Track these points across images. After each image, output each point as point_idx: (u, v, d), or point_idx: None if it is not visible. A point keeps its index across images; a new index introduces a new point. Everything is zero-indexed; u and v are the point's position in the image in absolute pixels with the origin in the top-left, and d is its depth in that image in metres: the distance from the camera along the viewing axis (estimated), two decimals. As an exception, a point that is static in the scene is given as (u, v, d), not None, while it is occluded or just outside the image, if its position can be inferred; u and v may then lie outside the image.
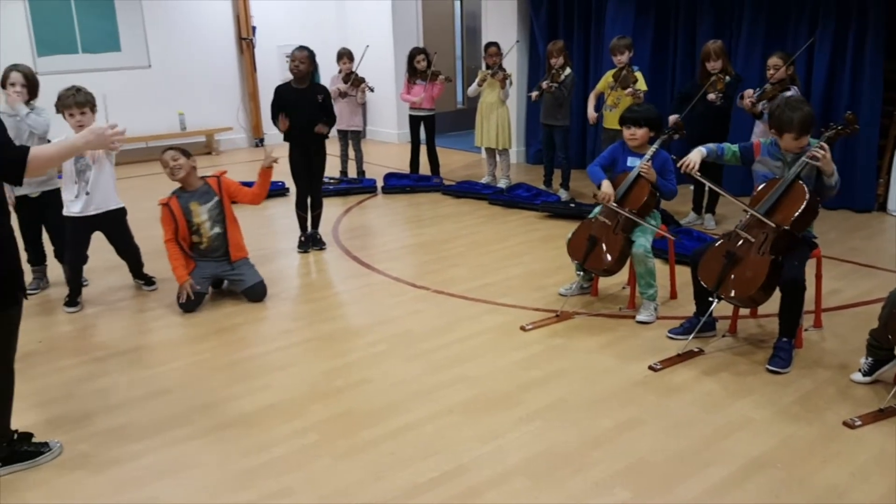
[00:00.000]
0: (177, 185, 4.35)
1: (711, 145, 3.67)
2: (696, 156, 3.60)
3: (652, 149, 4.02)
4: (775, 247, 3.35)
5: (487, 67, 6.82)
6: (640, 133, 4.05)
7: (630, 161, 4.11)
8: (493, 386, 3.32)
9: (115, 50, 8.65)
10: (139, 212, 6.51)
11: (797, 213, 3.32)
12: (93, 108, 4.19)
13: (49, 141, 4.28)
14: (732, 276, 3.41)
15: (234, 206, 4.47)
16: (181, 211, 4.26)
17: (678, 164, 3.63)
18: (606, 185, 4.02)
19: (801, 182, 3.38)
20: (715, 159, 3.69)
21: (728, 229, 3.71)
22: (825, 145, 3.32)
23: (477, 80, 6.93)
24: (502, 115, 6.90)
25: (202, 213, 4.30)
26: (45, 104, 4.37)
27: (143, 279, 4.60)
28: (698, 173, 3.59)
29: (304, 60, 5.00)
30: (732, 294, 3.42)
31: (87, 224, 4.25)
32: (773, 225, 3.35)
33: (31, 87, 4.29)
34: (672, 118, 5.27)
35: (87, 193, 4.18)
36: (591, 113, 6.14)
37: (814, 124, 3.40)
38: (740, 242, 3.46)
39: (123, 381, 3.44)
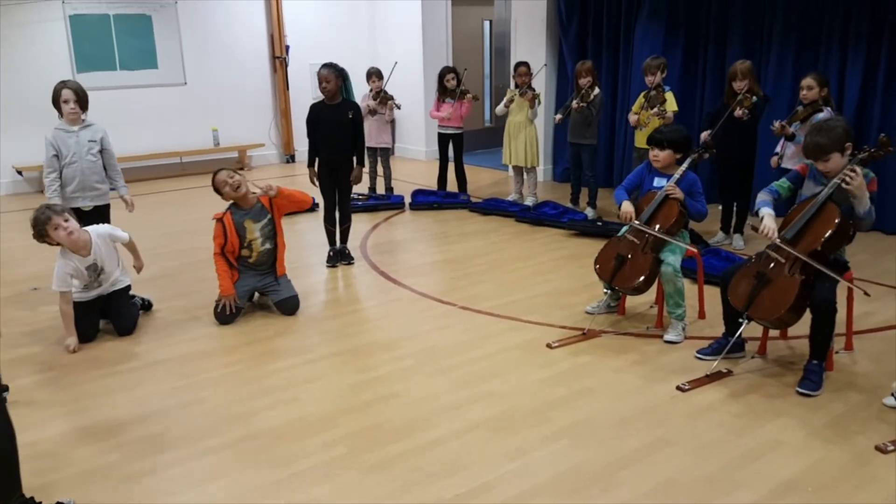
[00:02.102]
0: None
1: (767, 198, 3.58)
2: (770, 222, 3.47)
3: (680, 169, 4.02)
4: (806, 268, 3.33)
5: (517, 87, 6.88)
6: (663, 155, 4.06)
7: (657, 181, 4.11)
8: (520, 403, 3.32)
9: (153, 67, 8.86)
10: (172, 226, 6.66)
11: (827, 235, 3.30)
12: (71, 214, 3.99)
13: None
14: (762, 297, 3.39)
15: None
16: (234, 227, 4.34)
17: (761, 232, 3.49)
18: (626, 205, 4.04)
19: (833, 203, 3.35)
20: (776, 204, 3.62)
21: (756, 249, 3.68)
22: (857, 169, 3.28)
23: (504, 101, 6.99)
24: (530, 133, 6.94)
25: (256, 231, 4.38)
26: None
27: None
28: (778, 239, 3.43)
29: (329, 79, 5.09)
30: (762, 315, 3.40)
31: (94, 303, 4.14)
32: (796, 253, 3.31)
33: (83, 102, 4.44)
34: (704, 135, 5.30)
35: (99, 285, 4.13)
36: (632, 116, 6.09)
37: (831, 148, 3.33)
38: (771, 264, 3.44)
39: (157, 391, 3.50)
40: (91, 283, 4.10)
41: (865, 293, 3.35)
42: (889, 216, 5.88)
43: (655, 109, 5.73)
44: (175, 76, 9.03)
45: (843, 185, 3.27)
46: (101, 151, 4.52)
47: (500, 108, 7.09)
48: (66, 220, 3.89)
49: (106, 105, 8.19)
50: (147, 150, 8.87)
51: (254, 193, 4.43)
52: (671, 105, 5.81)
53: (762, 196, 3.62)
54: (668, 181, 4.03)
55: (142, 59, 8.78)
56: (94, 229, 4.12)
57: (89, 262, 4.03)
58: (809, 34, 6.18)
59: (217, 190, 4.37)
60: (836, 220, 3.30)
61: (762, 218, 3.51)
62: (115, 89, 8.57)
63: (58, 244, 3.94)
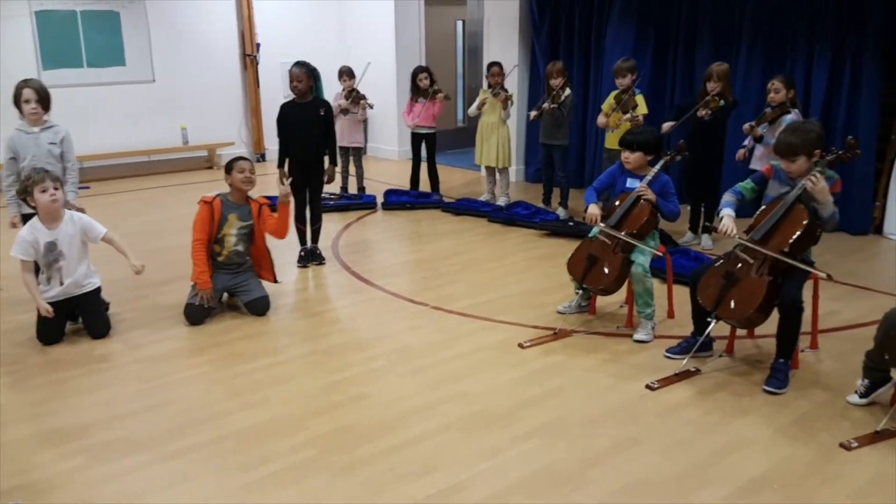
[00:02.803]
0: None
1: (731, 199, 3.65)
2: (728, 222, 3.55)
3: (653, 171, 4.05)
4: (774, 268, 3.37)
5: (490, 87, 6.89)
6: (634, 157, 4.09)
7: (629, 182, 4.15)
8: (492, 403, 3.32)
9: (120, 64, 8.72)
10: (139, 225, 6.56)
11: (796, 236, 3.34)
12: (62, 184, 4.03)
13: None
14: (730, 297, 3.43)
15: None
16: (219, 215, 4.30)
17: (721, 231, 3.56)
18: (593, 208, 4.09)
19: (801, 205, 3.39)
20: (739, 205, 3.69)
21: (725, 249, 3.73)
22: (818, 175, 3.31)
23: (477, 102, 7.01)
24: (503, 134, 6.96)
25: (234, 228, 4.34)
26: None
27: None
28: (744, 237, 3.51)
29: (301, 78, 5.06)
30: (730, 314, 3.44)
31: (62, 306, 4.01)
32: (766, 253, 3.36)
33: (45, 102, 4.29)
34: (666, 126, 5.38)
35: (62, 284, 4.01)
36: (601, 118, 6.14)
37: (800, 149, 3.38)
38: (739, 264, 3.48)
39: (122, 394, 3.44)
40: (47, 269, 3.96)
41: (829, 276, 3.40)
42: (853, 217, 5.99)
43: (628, 115, 5.78)
44: (143, 73, 8.89)
45: (808, 188, 3.32)
46: (61, 154, 4.38)
47: (472, 110, 7.10)
48: (56, 189, 3.89)
49: (73, 103, 8.06)
50: (114, 149, 8.73)
51: (249, 197, 4.43)
52: (642, 108, 5.87)
53: (726, 197, 3.69)
54: (640, 182, 4.06)
55: (109, 56, 8.64)
56: (73, 213, 4.08)
57: (50, 238, 3.93)
58: (777, 37, 6.28)
59: (229, 169, 4.34)
60: (805, 222, 3.34)
61: (722, 218, 3.59)
62: (82, 87, 8.42)
63: (33, 211, 3.95)
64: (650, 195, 3.98)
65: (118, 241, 4.16)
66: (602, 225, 4.03)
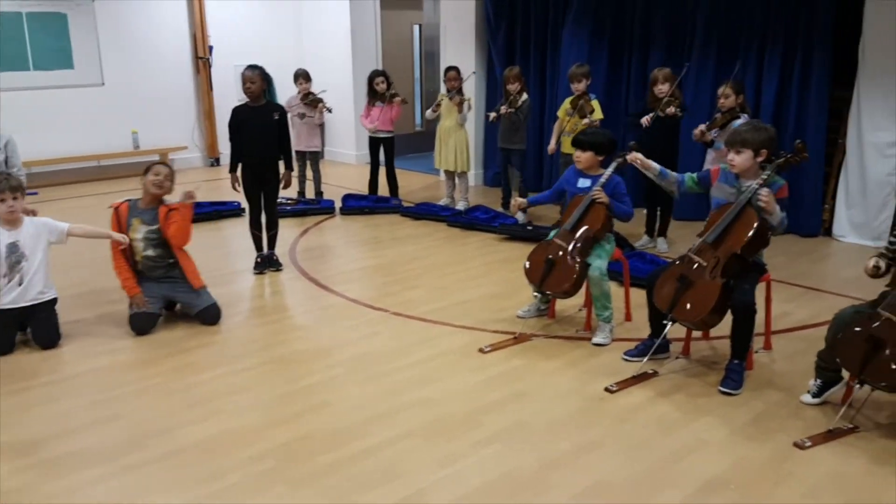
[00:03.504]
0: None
1: (669, 171, 3.81)
2: (647, 162, 3.84)
3: (606, 173, 4.09)
4: (726, 271, 3.44)
5: (447, 91, 6.90)
6: (585, 157, 4.14)
7: (581, 182, 4.19)
8: (453, 409, 3.31)
9: (68, 67, 8.49)
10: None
11: (747, 239, 3.41)
12: (24, 192, 3.96)
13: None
14: (685, 300, 3.48)
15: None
16: (125, 221, 4.22)
17: (628, 157, 3.88)
18: (513, 204, 4.51)
19: (752, 208, 3.46)
20: (668, 184, 3.80)
21: (680, 252, 3.79)
22: (767, 191, 3.38)
23: (433, 105, 7.02)
24: (461, 138, 6.97)
25: (139, 232, 4.22)
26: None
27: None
28: (638, 160, 3.84)
29: (254, 80, 5.00)
30: (685, 317, 3.49)
31: (16, 316, 3.95)
32: (720, 252, 3.44)
33: None
34: (632, 145, 5.42)
35: (20, 285, 3.92)
36: (552, 145, 6.27)
37: (749, 143, 3.48)
38: (693, 266, 3.54)
39: (75, 406, 3.34)
40: (10, 270, 3.88)
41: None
42: (804, 220, 6.14)
43: (586, 119, 5.84)
44: (92, 76, 8.68)
45: (757, 202, 3.39)
46: (5, 160, 4.25)
47: (428, 113, 7.10)
48: (15, 199, 3.85)
49: (19, 106, 7.85)
50: (63, 154, 8.48)
51: (170, 203, 4.30)
52: (597, 113, 5.94)
53: (648, 162, 3.88)
54: (591, 182, 4.10)
55: (57, 58, 8.40)
56: (31, 218, 4.02)
57: (11, 240, 3.86)
58: (728, 43, 6.40)
59: (146, 171, 4.25)
60: (755, 225, 3.41)
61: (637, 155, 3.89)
62: (28, 90, 8.18)
63: None
64: (604, 198, 4.02)
65: (86, 228, 4.14)
66: (520, 215, 4.12)
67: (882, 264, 3.16)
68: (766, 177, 3.43)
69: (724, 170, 3.68)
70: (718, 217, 3.55)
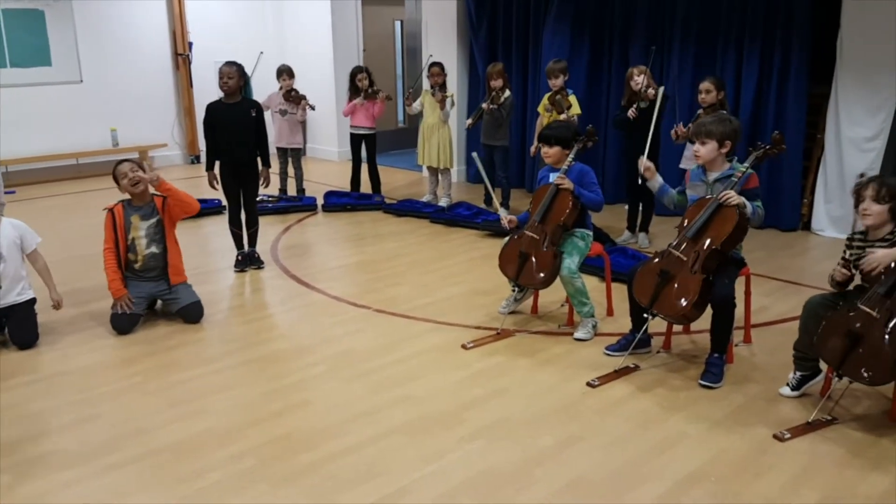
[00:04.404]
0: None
1: (669, 189, 3.89)
2: (654, 173, 3.87)
3: (567, 160, 4.08)
4: (706, 265, 3.46)
5: (431, 87, 6.88)
6: (552, 152, 4.15)
7: (552, 177, 4.20)
8: (435, 406, 3.31)
9: (46, 64, 8.38)
10: (67, 231, 6.32)
11: (727, 233, 3.43)
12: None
13: None
14: (666, 294, 3.50)
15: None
16: (122, 221, 4.17)
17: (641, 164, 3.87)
18: (503, 217, 4.33)
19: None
20: (668, 200, 3.89)
21: (661, 247, 3.80)
22: (730, 192, 3.42)
23: (418, 100, 6.99)
24: (444, 134, 6.96)
25: (141, 229, 4.19)
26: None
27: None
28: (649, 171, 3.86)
29: (232, 76, 4.95)
30: (666, 311, 3.51)
31: None
32: (702, 246, 3.46)
33: None
34: (631, 111, 5.42)
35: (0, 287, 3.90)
36: (535, 147, 6.23)
37: (713, 134, 3.53)
38: (673, 261, 3.56)
39: (52, 407, 3.30)
40: None
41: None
42: (783, 214, 6.20)
43: (564, 115, 5.85)
44: (70, 74, 8.57)
45: (728, 203, 3.42)
46: None
47: (415, 106, 7.06)
48: None
49: (-6, 104, 7.77)
50: (40, 152, 8.37)
51: (153, 194, 4.26)
52: (575, 108, 5.96)
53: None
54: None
55: (34, 55, 8.29)
56: (10, 220, 3.98)
57: None
58: (708, 39, 6.43)
59: (116, 180, 4.20)
60: (734, 219, 3.43)
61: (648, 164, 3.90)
62: (5, 87, 8.07)
63: None
64: (567, 184, 4.00)
65: (42, 266, 4.10)
66: (503, 210, 4.26)
67: (847, 272, 3.20)
68: (735, 180, 3.48)
69: (693, 170, 3.74)
70: (697, 212, 3.57)
